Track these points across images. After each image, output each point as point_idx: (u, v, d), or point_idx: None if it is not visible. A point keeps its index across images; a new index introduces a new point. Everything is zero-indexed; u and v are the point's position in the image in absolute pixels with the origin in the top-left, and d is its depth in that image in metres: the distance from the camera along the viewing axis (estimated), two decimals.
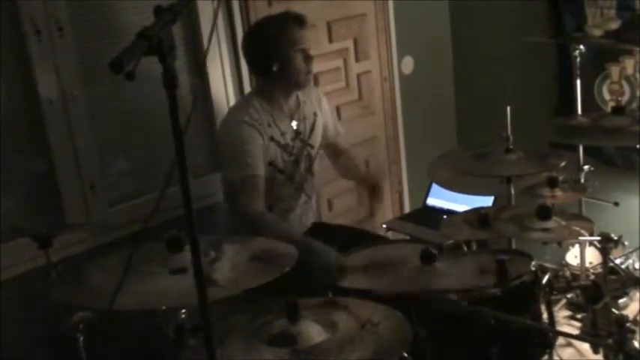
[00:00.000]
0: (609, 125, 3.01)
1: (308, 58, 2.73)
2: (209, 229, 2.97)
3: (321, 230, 2.98)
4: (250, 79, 3.25)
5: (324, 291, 2.22)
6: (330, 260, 2.40)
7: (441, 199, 3.62)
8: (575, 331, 3.05)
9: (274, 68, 2.68)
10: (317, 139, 2.91)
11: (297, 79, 2.74)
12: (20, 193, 2.73)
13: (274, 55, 2.67)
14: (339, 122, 3.21)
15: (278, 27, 2.69)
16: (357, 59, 3.77)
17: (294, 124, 2.81)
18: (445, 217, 3.04)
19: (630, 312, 3.02)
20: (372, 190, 3.02)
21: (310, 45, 2.76)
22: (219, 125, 2.91)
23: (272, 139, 2.71)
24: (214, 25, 3.05)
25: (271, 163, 2.72)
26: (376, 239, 2.96)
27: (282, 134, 2.75)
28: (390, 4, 3.83)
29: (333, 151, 3.12)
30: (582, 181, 3.38)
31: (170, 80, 1.29)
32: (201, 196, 3.00)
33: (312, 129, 2.88)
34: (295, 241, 2.23)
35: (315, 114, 2.91)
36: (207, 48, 3.02)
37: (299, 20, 2.71)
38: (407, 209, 4.07)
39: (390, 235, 3.52)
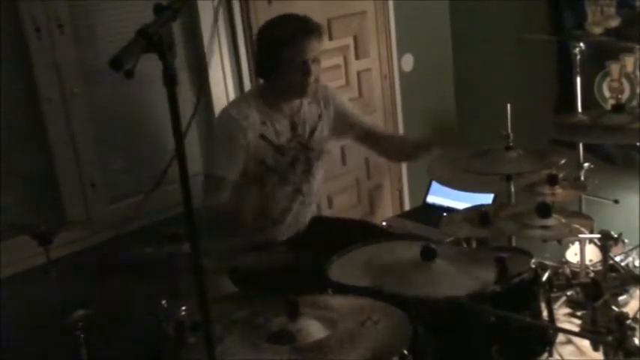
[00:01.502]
0: (609, 123, 3.01)
1: (307, 71, 2.62)
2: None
3: (320, 224, 2.97)
4: (250, 78, 3.25)
5: (323, 288, 2.22)
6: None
7: (441, 196, 3.62)
8: (576, 329, 3.06)
9: (267, 74, 2.67)
10: (318, 143, 2.85)
11: (292, 90, 2.69)
12: (20, 190, 2.74)
13: (271, 62, 2.63)
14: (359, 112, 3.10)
15: (282, 34, 2.60)
16: (357, 57, 3.77)
17: (292, 125, 2.77)
18: (445, 214, 3.04)
19: (630, 309, 3.01)
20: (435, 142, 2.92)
21: (316, 56, 2.64)
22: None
23: (263, 137, 2.68)
24: (215, 25, 3.04)
25: (261, 162, 2.70)
26: (376, 230, 2.97)
27: (277, 134, 2.71)
28: (390, 1, 3.83)
29: (367, 138, 3.02)
30: (582, 178, 3.38)
31: (170, 78, 1.29)
32: (199, 195, 3.00)
33: (313, 132, 2.83)
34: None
35: (319, 116, 2.85)
36: (210, 45, 3.00)
37: (308, 30, 2.60)
38: (407, 207, 4.07)
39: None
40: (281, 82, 2.67)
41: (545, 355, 2.32)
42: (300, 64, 2.61)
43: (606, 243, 2.56)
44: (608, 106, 3.42)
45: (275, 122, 2.72)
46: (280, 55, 2.60)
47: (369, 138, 3.03)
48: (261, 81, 2.82)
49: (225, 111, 2.73)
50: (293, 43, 2.59)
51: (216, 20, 2.93)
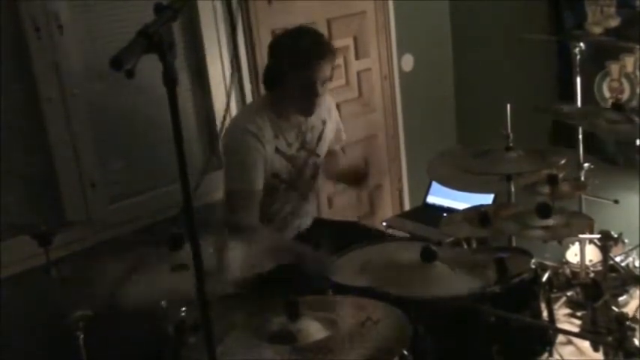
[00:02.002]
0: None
1: (315, 93, 2.57)
2: (206, 227, 2.97)
3: (321, 227, 2.97)
4: (250, 79, 3.25)
5: (324, 289, 2.22)
6: (323, 267, 2.39)
7: (441, 196, 3.62)
8: (575, 329, 3.06)
9: (274, 87, 2.64)
10: (324, 149, 2.85)
11: (298, 108, 2.66)
12: (20, 190, 2.74)
13: (280, 77, 2.59)
14: (343, 128, 3.09)
15: (294, 52, 2.55)
16: (356, 57, 3.77)
17: (301, 134, 2.75)
18: (445, 214, 3.04)
19: (630, 310, 3.02)
20: (355, 178, 2.96)
21: (326, 78, 2.60)
22: (225, 129, 2.84)
23: (277, 150, 2.66)
24: None
25: (275, 175, 2.68)
26: (377, 235, 2.96)
27: (289, 145, 2.70)
28: (390, 1, 3.83)
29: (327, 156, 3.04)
30: (582, 178, 3.38)
31: (170, 78, 1.29)
32: (198, 195, 2.99)
33: (320, 138, 2.82)
34: (289, 250, 2.24)
35: (323, 122, 2.84)
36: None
37: (321, 53, 2.56)
38: (407, 207, 4.07)
39: (390, 232, 3.52)
40: (288, 97, 2.64)
41: (545, 355, 2.32)
42: (309, 86, 2.57)
43: (606, 243, 2.56)
44: (608, 106, 3.42)
45: (285, 133, 2.69)
46: (289, 73, 2.56)
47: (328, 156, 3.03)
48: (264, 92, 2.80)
49: (239, 125, 2.67)
50: (301, 64, 2.54)
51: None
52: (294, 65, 2.54)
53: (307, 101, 2.62)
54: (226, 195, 2.71)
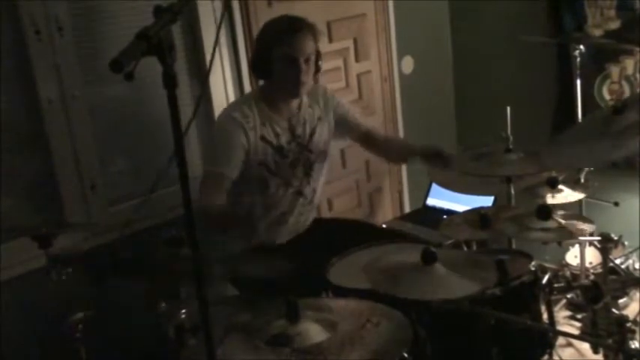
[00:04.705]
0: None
1: (297, 70, 2.58)
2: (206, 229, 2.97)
3: (322, 226, 2.97)
4: (250, 80, 3.25)
5: (323, 290, 2.22)
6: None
7: (440, 199, 3.62)
8: (575, 331, 3.06)
9: (262, 74, 2.68)
10: (318, 145, 2.84)
11: (285, 89, 2.67)
12: (20, 192, 2.74)
13: (264, 62, 2.63)
14: (358, 114, 3.06)
15: (271, 33, 2.62)
16: (357, 59, 3.77)
17: (291, 126, 2.76)
18: (445, 216, 3.04)
19: (630, 312, 3.02)
20: (437, 157, 2.82)
21: (308, 55, 2.61)
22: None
23: (263, 138, 2.67)
24: (218, 35, 3.02)
25: (261, 163, 2.69)
26: (378, 231, 2.96)
27: (277, 135, 2.70)
28: (390, 3, 3.83)
29: (366, 140, 3.02)
30: (582, 181, 3.37)
31: (170, 80, 1.29)
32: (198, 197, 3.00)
33: (313, 134, 2.82)
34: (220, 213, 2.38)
35: (319, 118, 2.84)
36: (212, 59, 2.95)
37: (296, 29, 2.59)
38: (407, 209, 4.07)
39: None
40: (275, 81, 2.67)
41: (545, 357, 2.32)
42: (290, 62, 2.58)
43: (606, 245, 2.56)
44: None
45: (274, 123, 2.71)
46: (270, 54, 2.60)
47: (368, 140, 3.02)
48: (261, 82, 2.82)
49: (226, 112, 2.72)
50: (281, 41, 2.58)
51: (218, 32, 2.91)
52: (273, 44, 2.59)
53: (292, 79, 2.62)
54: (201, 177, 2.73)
